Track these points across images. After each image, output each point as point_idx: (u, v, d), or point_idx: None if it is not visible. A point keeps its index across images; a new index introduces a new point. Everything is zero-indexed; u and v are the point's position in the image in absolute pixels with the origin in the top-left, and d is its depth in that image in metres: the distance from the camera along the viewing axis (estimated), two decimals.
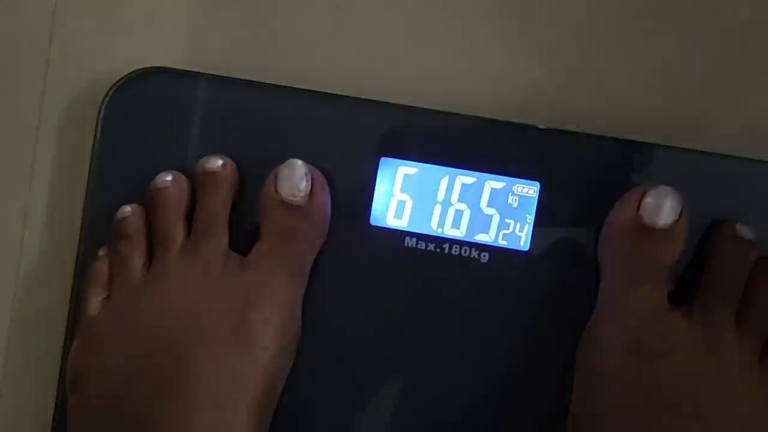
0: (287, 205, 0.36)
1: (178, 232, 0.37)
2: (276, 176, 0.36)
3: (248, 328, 0.36)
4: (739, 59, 0.39)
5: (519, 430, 0.38)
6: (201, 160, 0.38)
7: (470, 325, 0.38)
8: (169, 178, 0.38)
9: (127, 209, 0.38)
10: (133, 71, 0.39)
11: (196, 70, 0.39)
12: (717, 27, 0.39)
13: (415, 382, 0.39)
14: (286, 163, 0.36)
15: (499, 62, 0.40)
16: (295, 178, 0.36)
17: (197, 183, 0.38)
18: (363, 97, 0.38)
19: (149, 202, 0.38)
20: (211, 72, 0.39)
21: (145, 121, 0.39)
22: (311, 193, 0.36)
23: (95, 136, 0.39)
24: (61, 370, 0.39)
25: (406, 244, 0.38)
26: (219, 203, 0.37)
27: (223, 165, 0.37)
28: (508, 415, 0.38)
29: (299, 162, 0.36)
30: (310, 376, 0.39)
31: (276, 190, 0.36)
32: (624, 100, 0.40)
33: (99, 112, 0.39)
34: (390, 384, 0.39)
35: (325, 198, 0.37)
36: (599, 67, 0.40)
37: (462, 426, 0.39)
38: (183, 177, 0.38)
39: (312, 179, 0.37)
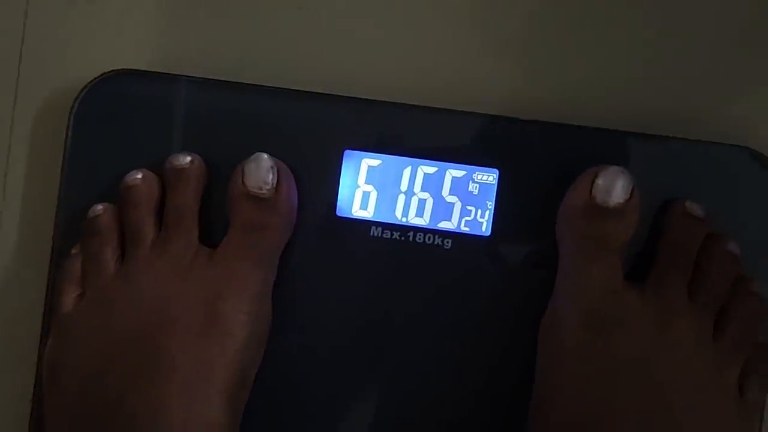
0: (254, 198, 0.37)
1: (149, 227, 0.38)
2: (243, 170, 0.38)
3: (218, 318, 0.37)
4: (688, 46, 0.41)
5: (488, 408, 0.40)
6: (169, 158, 0.39)
7: (436, 310, 0.39)
8: (140, 175, 0.39)
9: (99, 207, 0.39)
10: (103, 73, 0.40)
11: (164, 71, 0.40)
12: (670, 17, 0.41)
13: (385, 368, 0.40)
14: (252, 156, 0.38)
15: (456, 54, 0.41)
16: (261, 171, 0.37)
17: (166, 180, 0.39)
18: (326, 92, 0.40)
19: (121, 199, 0.39)
20: (178, 72, 0.40)
21: (115, 122, 0.40)
22: (277, 186, 0.38)
23: (66, 137, 0.40)
24: (37, 368, 0.40)
25: (371, 234, 0.39)
26: (188, 199, 0.38)
27: (191, 161, 0.38)
28: (477, 395, 0.39)
29: (265, 155, 0.38)
30: (280, 368, 0.40)
31: (243, 183, 0.37)
32: (577, 88, 0.41)
33: (70, 114, 0.40)
34: (361, 371, 0.40)
35: (291, 190, 0.38)
36: (552, 56, 0.41)
37: (435, 408, 0.40)
38: (152, 174, 0.39)
39: (278, 172, 0.38)
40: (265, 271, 0.38)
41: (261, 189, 0.37)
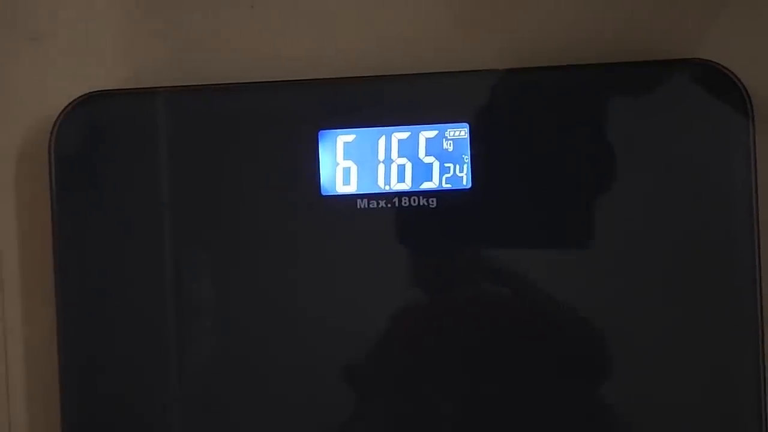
0: None
1: None
2: None
3: None
4: None
5: (492, 368, 0.41)
6: None
7: (432, 267, 0.41)
8: None
9: None
10: (71, 101, 0.41)
11: (135, 87, 0.42)
12: None
13: (393, 340, 0.41)
14: None
15: (404, 21, 0.43)
16: None
17: None
18: (290, 79, 0.41)
19: None
20: (146, 86, 0.41)
21: (97, 147, 0.41)
22: None
23: (50, 168, 0.41)
24: (61, 403, 0.41)
25: (358, 206, 0.41)
26: None
27: None
28: (481, 355, 0.41)
29: None
30: (287, 355, 0.41)
31: None
32: (528, 30, 0.42)
33: (50, 145, 0.41)
34: (367, 348, 0.41)
35: None
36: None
37: (439, 379, 0.41)
38: None
39: None
40: None
41: None
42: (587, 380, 0.40)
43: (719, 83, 0.40)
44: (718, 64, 0.40)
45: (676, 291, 0.40)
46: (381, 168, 0.41)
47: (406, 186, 0.41)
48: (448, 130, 0.40)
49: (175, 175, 0.41)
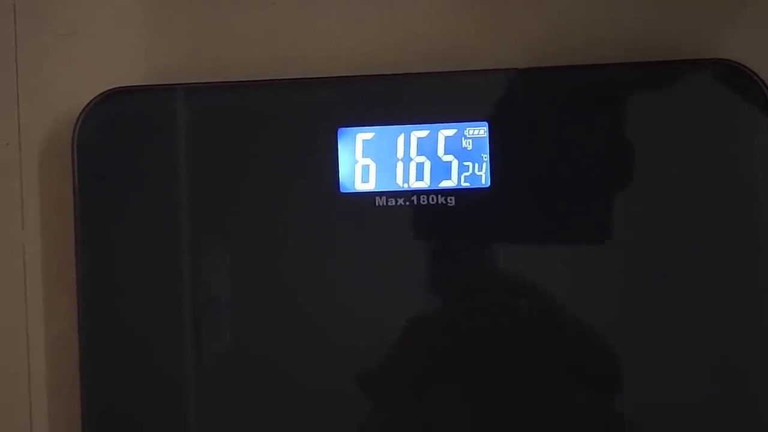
0: None
1: None
2: None
3: None
4: None
5: (504, 366, 0.41)
6: None
7: (449, 266, 0.41)
8: None
9: None
10: (96, 96, 0.41)
11: (155, 83, 0.42)
12: None
13: (410, 338, 0.41)
14: None
15: (423, 21, 0.43)
16: None
17: None
18: (310, 76, 0.41)
19: None
20: (169, 82, 0.42)
21: (119, 142, 0.42)
22: None
23: (73, 161, 0.41)
24: (81, 395, 0.41)
25: (377, 204, 0.41)
26: None
27: None
28: (495, 355, 0.41)
29: None
30: (299, 347, 0.41)
31: None
32: (546, 30, 0.42)
33: (73, 140, 0.41)
34: (383, 346, 0.41)
35: None
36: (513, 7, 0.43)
37: (457, 378, 0.41)
38: None
39: None
40: None
41: None
42: (608, 387, 0.40)
43: (740, 82, 0.40)
44: (739, 63, 0.40)
45: (698, 293, 0.40)
46: (400, 166, 0.41)
47: (424, 184, 0.41)
48: (468, 128, 0.41)
49: (194, 170, 0.41)
